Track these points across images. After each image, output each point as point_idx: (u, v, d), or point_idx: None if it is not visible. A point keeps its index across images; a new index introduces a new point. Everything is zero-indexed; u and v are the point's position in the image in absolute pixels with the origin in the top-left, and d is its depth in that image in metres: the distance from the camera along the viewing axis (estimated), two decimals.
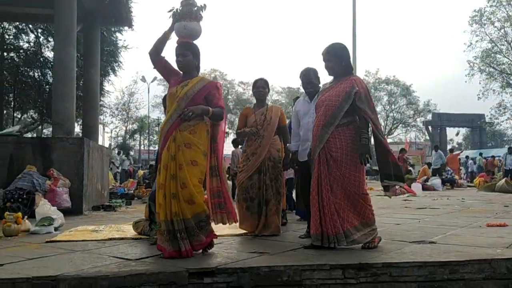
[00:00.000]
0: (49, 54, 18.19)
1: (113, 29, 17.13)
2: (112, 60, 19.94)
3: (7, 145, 7.05)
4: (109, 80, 20.72)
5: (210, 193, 3.72)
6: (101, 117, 33.50)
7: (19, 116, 27.10)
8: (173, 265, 3.21)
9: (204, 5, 3.73)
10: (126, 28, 12.26)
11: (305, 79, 4.66)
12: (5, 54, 19.58)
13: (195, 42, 3.78)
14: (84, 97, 10.48)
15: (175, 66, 3.75)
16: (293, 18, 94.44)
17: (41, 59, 18.23)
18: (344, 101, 3.78)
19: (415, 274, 3.28)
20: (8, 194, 6.43)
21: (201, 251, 3.59)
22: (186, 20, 3.66)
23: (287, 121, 5.21)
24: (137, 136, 43.53)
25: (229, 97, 43.11)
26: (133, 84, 40.23)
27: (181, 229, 3.41)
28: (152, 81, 37.52)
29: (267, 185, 4.62)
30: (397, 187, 11.82)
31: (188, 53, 3.61)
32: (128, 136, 42.59)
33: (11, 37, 18.93)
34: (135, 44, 27.96)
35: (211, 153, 3.65)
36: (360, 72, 43.88)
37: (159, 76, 24.67)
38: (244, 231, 4.70)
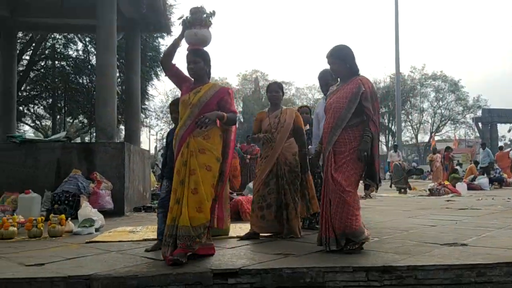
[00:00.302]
0: None
1: (154, 35, 17.66)
2: (154, 65, 20.59)
3: (54, 150, 7.48)
4: (153, 84, 21.46)
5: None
6: (147, 120, 34.62)
7: (71, 121, 28.51)
8: (198, 266, 3.33)
9: (213, 11, 3.77)
10: (166, 34, 12.61)
11: (322, 81, 4.68)
12: (56, 63, 20.68)
13: (205, 48, 3.82)
14: (127, 102, 10.90)
15: (186, 73, 3.79)
16: (335, 16, 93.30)
17: (89, 66, 19.13)
18: (351, 103, 3.79)
19: (441, 277, 3.24)
20: (56, 197, 6.83)
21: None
22: (196, 27, 3.70)
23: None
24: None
25: None
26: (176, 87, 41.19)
27: (174, 234, 3.41)
28: None
29: (285, 190, 4.63)
30: (439, 187, 11.52)
31: (199, 60, 3.64)
32: None
33: (61, 46, 19.94)
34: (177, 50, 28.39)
35: (224, 159, 3.64)
36: (405, 68, 42.95)
37: None
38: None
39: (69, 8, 9.40)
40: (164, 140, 5.29)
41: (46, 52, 20.16)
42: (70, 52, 20.36)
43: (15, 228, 4.97)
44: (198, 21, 3.71)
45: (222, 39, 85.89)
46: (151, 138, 40.50)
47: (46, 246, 4.39)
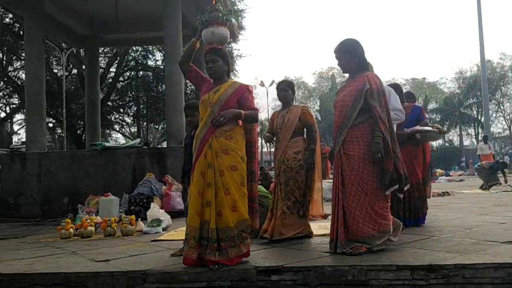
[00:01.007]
0: None
1: (231, 40, 18.24)
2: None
3: (130, 156, 8.12)
4: None
5: (249, 198, 3.60)
6: None
7: (157, 127, 30.24)
8: (242, 263, 3.50)
9: (230, 10, 3.81)
10: (241, 38, 13.00)
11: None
12: (139, 73, 22.17)
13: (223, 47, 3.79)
14: None
15: (205, 73, 3.79)
16: (416, 2, 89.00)
17: None
18: (356, 101, 3.67)
19: (491, 276, 3.10)
20: (132, 199, 7.42)
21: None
22: (214, 26, 3.69)
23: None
24: (259, 138, 45.27)
25: None
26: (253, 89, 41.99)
27: (210, 237, 3.36)
28: (270, 85, 38.72)
29: (279, 189, 4.50)
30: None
31: (218, 59, 3.57)
32: None
33: (141, 57, 21.32)
34: (249, 52, 29.08)
35: (249, 158, 3.59)
36: (494, 55, 39.87)
37: (277, 80, 25.62)
38: (323, 232, 4.75)
39: (141, 23, 10.11)
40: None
41: (130, 64, 21.69)
42: (150, 63, 21.68)
43: (93, 228, 5.50)
44: (215, 19, 3.69)
45: (296, 38, 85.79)
46: None
47: (116, 244, 4.82)
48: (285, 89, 4.74)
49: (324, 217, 5.75)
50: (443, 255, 3.48)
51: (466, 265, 3.18)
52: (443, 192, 10.30)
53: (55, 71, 20.83)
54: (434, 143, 32.67)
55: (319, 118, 48.63)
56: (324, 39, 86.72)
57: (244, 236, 3.45)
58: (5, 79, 21.43)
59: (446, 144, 43.71)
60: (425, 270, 3.23)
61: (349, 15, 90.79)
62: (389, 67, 77.70)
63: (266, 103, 40.70)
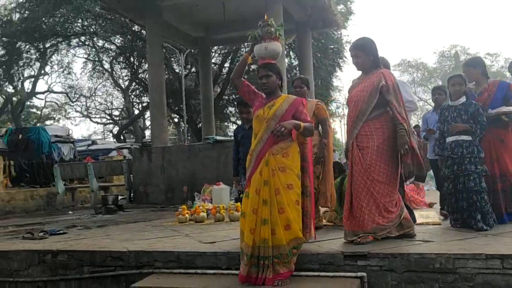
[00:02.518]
0: None
1: (335, 28, 18.23)
2: (337, 57, 21.15)
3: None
4: (337, 76, 22.07)
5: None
6: (339, 110, 35.52)
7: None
8: (331, 248, 3.72)
9: (282, 24, 3.83)
10: (336, 28, 13.05)
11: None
12: (250, 67, 23.11)
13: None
14: None
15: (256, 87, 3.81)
16: None
17: None
18: (371, 96, 3.73)
19: None
20: (241, 188, 7.98)
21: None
22: (266, 41, 3.72)
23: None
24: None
25: None
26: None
27: (266, 256, 3.31)
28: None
29: None
30: None
31: (272, 74, 3.58)
32: None
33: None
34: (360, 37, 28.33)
35: (303, 173, 3.54)
36: None
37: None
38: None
39: (247, 21, 10.67)
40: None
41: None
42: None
43: (205, 214, 6.14)
44: (267, 34, 3.74)
45: (413, 18, 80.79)
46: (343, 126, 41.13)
47: (223, 228, 5.36)
48: (301, 86, 4.81)
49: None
50: None
51: None
52: None
53: (177, 70, 22.73)
54: None
55: None
56: (445, 15, 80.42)
57: (295, 252, 3.44)
58: (136, 80, 24.00)
59: None
60: None
61: None
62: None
63: None
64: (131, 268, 4.11)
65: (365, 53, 3.95)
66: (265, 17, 3.84)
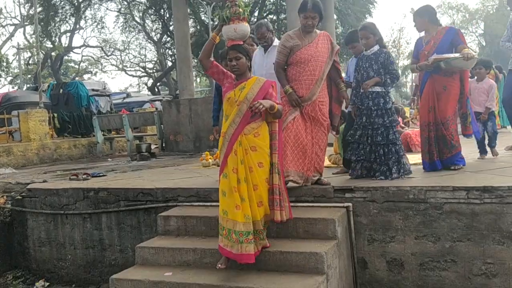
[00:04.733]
0: None
1: None
2: (367, 3, 20.90)
3: None
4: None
5: (269, 190, 3.58)
6: None
7: None
8: (323, 184, 4.32)
9: (249, 3, 4.02)
10: None
11: (258, 33, 4.83)
12: (279, 16, 23.10)
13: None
14: None
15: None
16: None
17: None
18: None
19: None
20: None
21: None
22: (235, 22, 3.73)
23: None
24: (409, 73, 43.01)
25: None
26: (402, 19, 39.67)
27: (250, 231, 3.37)
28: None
29: None
30: None
31: (241, 56, 3.56)
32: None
33: (280, 1, 22.11)
34: None
35: (271, 151, 3.58)
36: None
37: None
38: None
39: None
40: None
41: (271, 8, 22.75)
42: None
43: None
44: (236, 15, 3.72)
45: None
46: None
47: None
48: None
49: None
50: (496, 178, 3.89)
51: None
52: None
53: (206, 22, 23.04)
54: None
55: (483, 43, 43.73)
56: None
57: (266, 228, 3.62)
58: (168, 32, 24.50)
59: None
60: (480, 191, 3.70)
61: None
62: None
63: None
64: (159, 202, 4.88)
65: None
66: None
